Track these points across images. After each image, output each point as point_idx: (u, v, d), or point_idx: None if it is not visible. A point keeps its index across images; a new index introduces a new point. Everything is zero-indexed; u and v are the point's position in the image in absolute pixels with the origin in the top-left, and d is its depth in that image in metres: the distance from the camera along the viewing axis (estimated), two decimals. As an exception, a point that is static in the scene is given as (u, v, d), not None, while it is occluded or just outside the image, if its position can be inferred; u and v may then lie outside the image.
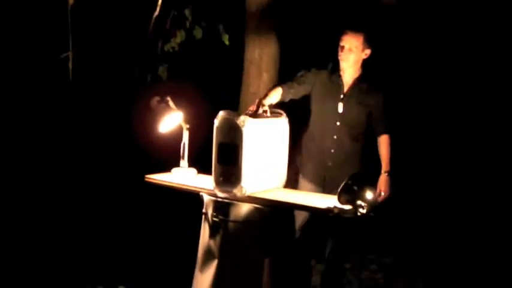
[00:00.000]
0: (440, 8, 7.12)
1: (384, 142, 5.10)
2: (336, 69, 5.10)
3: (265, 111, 4.47)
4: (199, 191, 4.47)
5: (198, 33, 6.56)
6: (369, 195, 3.96)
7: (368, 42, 5.00)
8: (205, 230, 4.41)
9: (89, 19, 6.66)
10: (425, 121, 7.68)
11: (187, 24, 6.55)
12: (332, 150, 5.06)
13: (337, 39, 5.02)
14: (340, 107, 5.03)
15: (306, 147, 5.25)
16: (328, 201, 4.09)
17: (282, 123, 4.51)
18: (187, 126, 4.85)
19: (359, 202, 3.94)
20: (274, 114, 4.55)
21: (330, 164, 5.09)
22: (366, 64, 5.08)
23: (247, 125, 4.18)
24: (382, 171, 5.07)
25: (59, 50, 5.75)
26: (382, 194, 5.01)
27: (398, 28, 7.04)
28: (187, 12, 6.52)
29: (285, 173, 4.61)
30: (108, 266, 5.80)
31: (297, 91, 5.06)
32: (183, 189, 4.60)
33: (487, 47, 7.27)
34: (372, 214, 3.95)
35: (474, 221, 7.04)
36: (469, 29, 7.17)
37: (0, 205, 6.49)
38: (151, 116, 4.87)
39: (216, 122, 4.27)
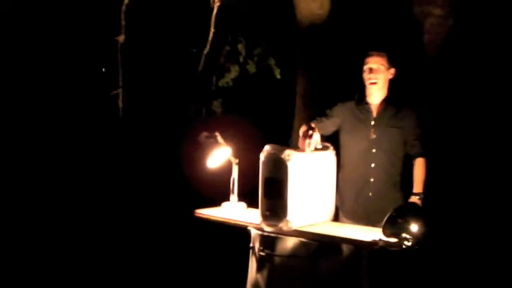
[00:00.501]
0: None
1: (418, 165, 4.90)
2: (362, 97, 5.05)
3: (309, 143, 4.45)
4: (247, 226, 4.51)
5: (252, 67, 6.64)
6: (414, 227, 3.93)
7: (392, 61, 5.00)
8: (252, 265, 4.45)
9: (140, 56, 6.79)
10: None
11: (241, 59, 6.63)
12: (372, 180, 4.94)
13: (362, 63, 5.01)
14: (373, 133, 4.95)
15: (342, 183, 5.06)
16: (373, 234, 4.08)
17: (329, 156, 4.53)
18: (237, 161, 4.90)
19: (404, 235, 3.92)
20: (321, 147, 4.58)
21: (370, 194, 4.96)
22: (392, 85, 5.04)
23: (292, 160, 4.21)
24: (413, 193, 4.87)
25: (109, 88, 5.87)
26: None
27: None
28: (240, 47, 6.61)
29: (332, 206, 4.62)
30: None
31: (325, 125, 4.99)
32: (231, 223, 4.65)
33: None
34: (416, 247, 3.92)
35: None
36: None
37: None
38: (200, 152, 4.94)
39: (262, 156, 4.32)
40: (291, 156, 4.21)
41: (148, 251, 6.75)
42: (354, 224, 4.87)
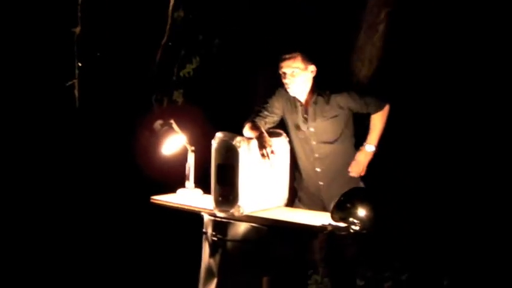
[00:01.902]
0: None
1: (375, 117, 5.01)
2: None
3: (272, 152, 4.45)
4: (200, 211, 4.59)
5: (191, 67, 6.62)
6: (362, 212, 4.01)
7: (308, 58, 4.86)
8: (205, 250, 4.53)
9: (96, 46, 6.81)
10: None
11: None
12: (318, 169, 4.95)
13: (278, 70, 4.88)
14: (308, 128, 4.90)
15: (296, 170, 5.11)
16: (322, 219, 4.16)
17: (281, 143, 4.60)
18: (192, 148, 4.96)
19: (352, 219, 4.00)
20: (273, 134, 4.65)
21: (321, 183, 4.98)
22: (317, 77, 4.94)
23: (243, 146, 4.29)
24: (365, 143, 5.01)
25: (65, 78, 5.89)
26: (356, 166, 5.00)
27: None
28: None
29: (285, 192, 4.70)
30: (111, 286, 5.93)
31: (269, 120, 4.94)
32: (184, 209, 4.72)
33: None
34: (364, 231, 4.01)
35: (487, 225, 6.98)
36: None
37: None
38: (155, 139, 4.98)
39: (214, 143, 4.39)
40: (242, 143, 4.29)
41: (105, 237, 6.79)
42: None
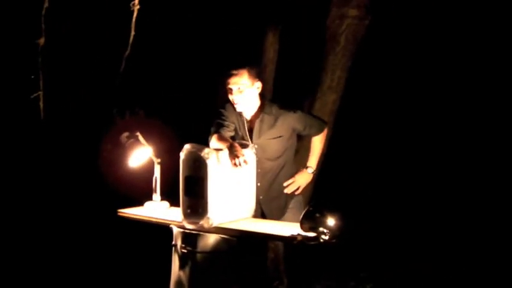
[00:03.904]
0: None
1: (316, 139, 5.17)
2: None
3: (245, 161, 4.41)
4: (169, 224, 4.56)
5: None
6: (331, 221, 4.03)
7: (255, 74, 4.87)
8: (175, 262, 4.50)
9: (60, 58, 6.77)
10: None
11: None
12: (258, 184, 4.89)
13: (224, 85, 4.88)
14: (252, 145, 4.84)
15: None
16: (292, 229, 4.17)
17: (248, 153, 4.60)
18: (159, 160, 4.94)
19: (321, 229, 4.02)
20: (240, 145, 4.64)
21: (261, 197, 4.99)
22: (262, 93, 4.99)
23: (212, 158, 4.28)
24: (307, 166, 5.17)
25: (30, 90, 5.85)
26: (293, 185, 5.09)
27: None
28: None
29: (253, 203, 4.70)
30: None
31: (229, 129, 4.93)
32: (153, 222, 4.69)
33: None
34: (334, 240, 4.03)
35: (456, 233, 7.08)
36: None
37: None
38: (121, 152, 4.96)
39: (182, 154, 4.37)
40: (210, 155, 4.28)
41: (72, 252, 6.74)
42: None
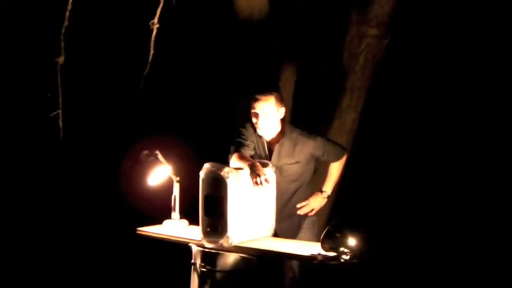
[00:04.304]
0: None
1: (335, 165, 5.20)
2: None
3: (266, 180, 4.42)
4: (188, 242, 4.55)
5: None
6: (352, 241, 4.01)
7: (281, 100, 4.90)
8: (194, 281, 4.49)
9: (79, 76, 6.81)
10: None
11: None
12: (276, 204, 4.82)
13: (249, 108, 4.89)
14: (271, 166, 4.74)
15: None
16: (312, 248, 4.16)
17: (269, 173, 4.59)
18: (178, 178, 4.94)
19: (342, 249, 4.00)
20: (261, 164, 4.63)
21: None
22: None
23: (231, 177, 4.27)
24: (322, 190, 5.20)
25: (49, 108, 5.88)
26: (307, 207, 5.10)
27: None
28: None
29: (273, 222, 4.68)
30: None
31: (251, 151, 4.95)
32: (172, 240, 4.68)
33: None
34: (355, 261, 4.01)
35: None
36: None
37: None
38: (141, 170, 4.96)
39: (202, 174, 4.37)
40: (230, 174, 4.27)
41: (92, 269, 6.74)
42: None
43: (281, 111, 4.91)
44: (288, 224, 5.04)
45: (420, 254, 6.96)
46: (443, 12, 7.30)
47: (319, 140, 5.06)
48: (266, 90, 4.87)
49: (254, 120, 4.87)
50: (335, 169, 5.22)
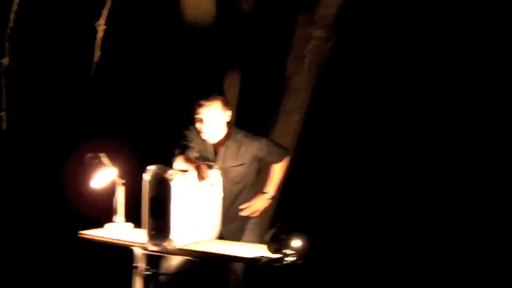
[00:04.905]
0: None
1: (277, 166, 5.22)
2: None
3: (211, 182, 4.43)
4: (131, 245, 4.52)
5: None
6: (296, 243, 4.02)
7: (226, 104, 4.91)
8: (136, 284, 4.45)
9: (25, 78, 6.74)
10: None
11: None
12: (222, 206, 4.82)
13: (194, 113, 4.88)
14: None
15: None
16: (257, 250, 4.16)
17: (214, 174, 4.58)
18: (122, 181, 4.90)
19: (286, 250, 4.01)
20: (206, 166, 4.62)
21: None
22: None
23: (176, 179, 4.25)
24: (264, 191, 5.22)
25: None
26: (249, 209, 5.12)
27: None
28: None
29: (218, 224, 4.66)
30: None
31: (195, 154, 4.89)
32: (115, 243, 4.64)
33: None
34: (300, 262, 4.02)
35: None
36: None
37: None
38: (85, 173, 4.91)
39: (146, 176, 4.34)
40: (174, 176, 4.25)
41: (34, 273, 6.65)
42: None
43: (227, 115, 4.92)
44: (232, 226, 5.05)
45: (365, 254, 7.03)
46: (388, 14, 7.39)
47: (263, 141, 5.10)
48: (211, 95, 4.87)
49: (199, 125, 4.86)
50: (277, 170, 5.25)
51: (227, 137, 4.97)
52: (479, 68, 7.41)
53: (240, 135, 5.00)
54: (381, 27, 7.50)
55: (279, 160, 5.21)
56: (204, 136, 4.90)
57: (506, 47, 7.33)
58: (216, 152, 4.98)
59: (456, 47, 7.50)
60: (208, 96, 4.85)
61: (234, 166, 4.97)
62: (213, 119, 4.82)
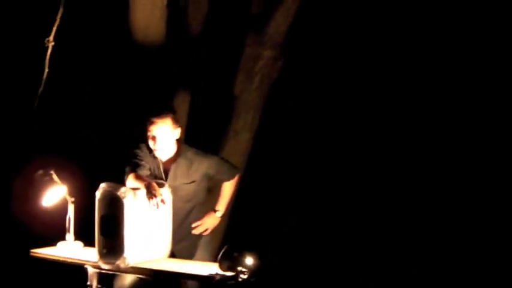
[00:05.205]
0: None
1: (227, 184, 5.24)
2: (150, 149, 4.93)
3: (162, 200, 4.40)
4: (84, 264, 4.49)
5: None
6: (249, 260, 4.03)
7: (176, 121, 4.93)
8: (90, 303, 4.44)
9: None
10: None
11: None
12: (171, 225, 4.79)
13: (145, 130, 4.87)
14: (167, 187, 4.74)
15: None
16: (210, 268, 4.15)
17: (164, 193, 4.58)
18: (72, 199, 4.86)
19: (240, 268, 4.02)
20: (158, 184, 4.61)
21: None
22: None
23: (128, 197, 4.24)
24: (215, 209, 5.22)
25: None
26: (201, 227, 5.12)
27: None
28: None
29: (169, 243, 4.66)
30: None
31: (146, 172, 4.87)
32: (68, 262, 4.60)
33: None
34: (252, 279, 4.04)
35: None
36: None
37: None
38: (34, 190, 4.87)
39: (98, 194, 4.31)
40: (127, 194, 4.24)
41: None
42: None
43: (177, 132, 4.92)
44: (184, 244, 5.03)
45: (324, 262, 7.07)
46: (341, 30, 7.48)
47: (213, 159, 5.14)
48: (162, 112, 4.87)
49: (151, 142, 4.85)
50: (228, 188, 5.27)
51: (177, 154, 4.96)
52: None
53: (190, 153, 5.00)
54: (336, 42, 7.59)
55: (229, 178, 5.23)
56: (156, 153, 4.89)
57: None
58: (166, 170, 4.96)
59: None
60: (159, 113, 4.86)
61: (185, 184, 4.96)
62: (164, 135, 4.82)
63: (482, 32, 7.34)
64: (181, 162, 4.96)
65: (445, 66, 7.51)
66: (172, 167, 4.95)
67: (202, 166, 5.00)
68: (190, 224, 5.11)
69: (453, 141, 7.51)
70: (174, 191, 4.80)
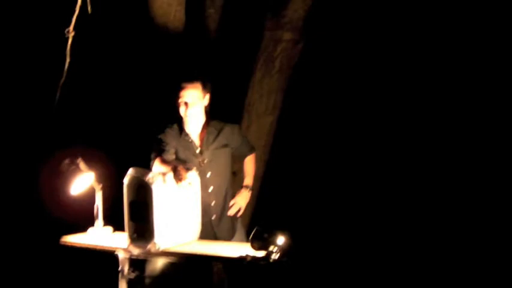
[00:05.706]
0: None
1: (249, 160, 5.29)
2: (181, 126, 4.98)
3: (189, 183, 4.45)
4: (114, 250, 4.51)
5: None
6: (281, 240, 4.04)
7: (206, 87, 4.92)
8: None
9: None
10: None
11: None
12: (212, 204, 4.96)
13: (176, 96, 4.88)
14: (202, 160, 4.90)
15: None
16: (241, 249, 4.17)
17: (192, 176, 4.58)
18: (100, 186, 4.89)
19: (271, 248, 4.02)
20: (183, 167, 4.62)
21: (213, 217, 4.96)
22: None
23: (156, 182, 4.25)
24: (244, 185, 5.21)
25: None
26: (236, 206, 5.09)
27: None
28: None
29: (198, 226, 4.67)
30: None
31: (170, 153, 4.89)
32: (98, 249, 4.63)
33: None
34: (284, 259, 4.04)
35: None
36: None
37: None
38: (62, 179, 4.89)
39: (126, 180, 4.33)
40: (154, 179, 4.25)
41: (17, 282, 6.60)
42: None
43: (206, 98, 4.93)
44: (226, 225, 5.03)
45: (345, 252, 7.08)
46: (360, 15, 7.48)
47: (238, 128, 5.26)
48: (192, 78, 4.87)
49: (183, 108, 4.84)
50: (250, 163, 5.29)
51: (206, 125, 4.99)
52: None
53: (215, 122, 5.05)
54: (355, 27, 7.58)
55: (250, 151, 5.28)
56: (189, 119, 4.89)
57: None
58: (201, 143, 4.97)
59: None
60: (189, 78, 4.86)
61: (220, 148, 4.98)
62: (195, 101, 4.84)
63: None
64: (211, 130, 4.99)
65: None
66: (203, 137, 4.97)
67: (229, 131, 5.06)
68: (228, 203, 5.08)
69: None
70: (211, 161, 4.90)
